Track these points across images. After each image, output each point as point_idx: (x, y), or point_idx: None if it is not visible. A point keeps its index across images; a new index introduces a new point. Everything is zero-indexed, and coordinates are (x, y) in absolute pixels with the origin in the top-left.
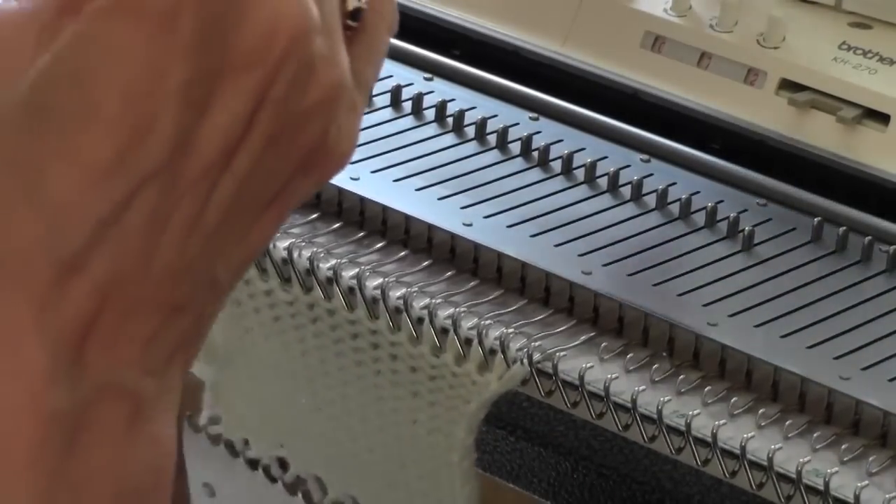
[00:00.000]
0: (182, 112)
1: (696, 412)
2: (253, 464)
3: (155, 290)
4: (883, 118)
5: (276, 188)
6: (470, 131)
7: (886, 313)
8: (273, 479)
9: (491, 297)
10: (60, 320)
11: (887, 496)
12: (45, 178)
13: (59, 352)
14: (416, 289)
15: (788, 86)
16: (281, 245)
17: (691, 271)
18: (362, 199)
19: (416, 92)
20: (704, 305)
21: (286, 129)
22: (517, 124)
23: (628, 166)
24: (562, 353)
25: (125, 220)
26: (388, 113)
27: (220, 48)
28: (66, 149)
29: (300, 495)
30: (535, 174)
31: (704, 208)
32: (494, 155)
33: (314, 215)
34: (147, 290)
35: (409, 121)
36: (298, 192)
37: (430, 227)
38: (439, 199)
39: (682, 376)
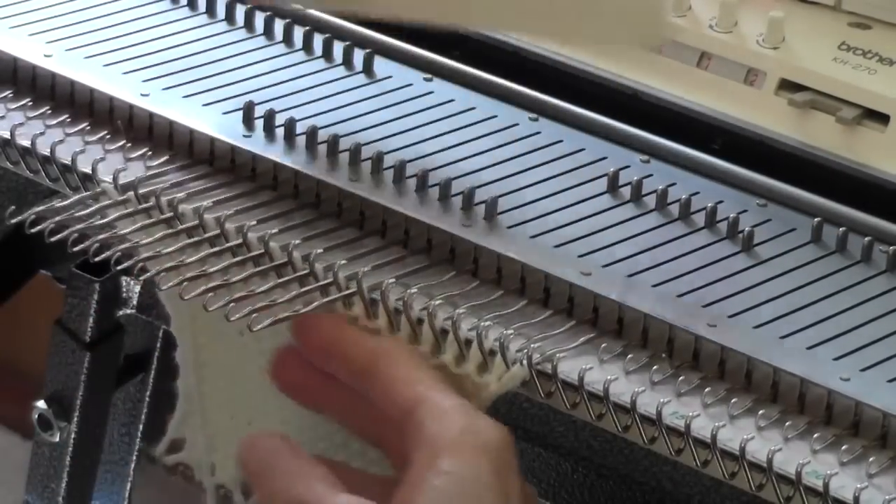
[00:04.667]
0: None
1: (695, 413)
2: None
3: None
4: (883, 118)
5: None
6: (470, 132)
7: (886, 313)
8: None
9: (491, 298)
10: None
11: (887, 497)
12: None
13: None
14: (416, 290)
15: (788, 86)
16: (276, 245)
17: (691, 272)
18: (363, 200)
19: (415, 93)
20: (704, 306)
21: None
22: (517, 125)
23: (628, 167)
24: (561, 355)
25: None
26: (388, 113)
27: None
28: None
29: None
30: (535, 175)
31: (704, 209)
32: (494, 156)
33: (313, 216)
34: None
35: (409, 121)
36: None
37: (430, 227)
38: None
39: (681, 377)
